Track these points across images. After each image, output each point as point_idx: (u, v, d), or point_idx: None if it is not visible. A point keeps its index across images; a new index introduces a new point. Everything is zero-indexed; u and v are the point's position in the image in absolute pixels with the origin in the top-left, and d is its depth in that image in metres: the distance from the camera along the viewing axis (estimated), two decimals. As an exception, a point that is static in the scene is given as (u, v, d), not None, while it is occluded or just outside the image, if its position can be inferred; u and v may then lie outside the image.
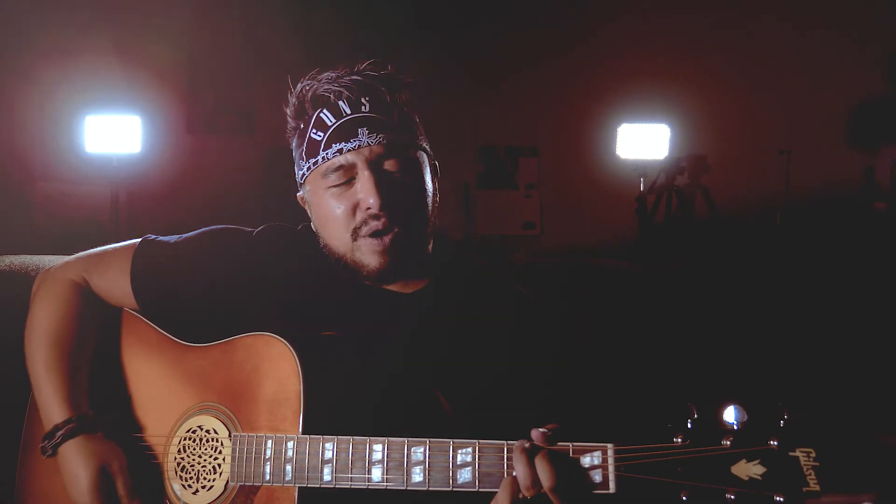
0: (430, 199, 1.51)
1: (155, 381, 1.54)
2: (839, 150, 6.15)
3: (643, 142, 5.22)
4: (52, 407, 1.49)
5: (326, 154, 1.44)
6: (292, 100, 1.51)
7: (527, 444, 1.18)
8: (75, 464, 1.45)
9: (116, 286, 1.59)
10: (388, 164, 1.45)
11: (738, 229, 5.58)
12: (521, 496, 1.17)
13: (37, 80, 5.14)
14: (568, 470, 1.14)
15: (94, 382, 1.55)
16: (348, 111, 1.44)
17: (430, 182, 1.52)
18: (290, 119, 1.52)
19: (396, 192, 1.44)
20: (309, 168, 1.48)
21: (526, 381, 1.48)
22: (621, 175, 5.49)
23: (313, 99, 1.47)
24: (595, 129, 5.76)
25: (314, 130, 1.46)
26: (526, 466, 1.15)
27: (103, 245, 1.65)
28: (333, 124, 1.44)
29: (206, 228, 1.63)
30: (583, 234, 5.81)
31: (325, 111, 1.45)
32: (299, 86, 1.50)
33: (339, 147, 1.43)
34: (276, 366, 1.39)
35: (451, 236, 1.68)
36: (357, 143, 1.42)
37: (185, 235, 1.62)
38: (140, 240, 1.61)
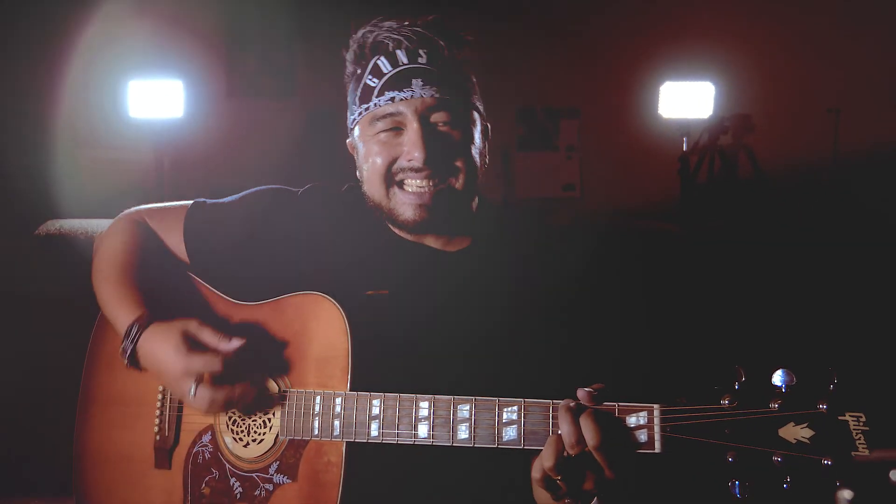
0: (478, 159, 1.51)
1: None
2: (890, 109, 5.96)
3: (686, 101, 5.11)
4: (126, 313, 1.51)
5: (378, 101, 1.45)
6: (352, 45, 1.51)
7: (572, 404, 1.18)
8: (158, 342, 1.44)
9: (171, 235, 1.64)
10: (438, 117, 1.45)
11: (784, 190, 5.46)
12: (565, 454, 1.18)
13: (80, 47, 5.19)
14: (613, 429, 1.14)
15: (166, 299, 1.56)
16: (405, 61, 1.44)
17: (480, 142, 1.52)
18: (348, 64, 1.53)
19: (443, 146, 1.45)
20: (360, 113, 1.49)
21: (570, 343, 1.49)
22: (663, 135, 5.40)
23: (373, 45, 1.48)
24: (637, 88, 5.66)
25: (370, 77, 1.47)
26: (571, 425, 1.16)
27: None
28: (389, 72, 1.44)
29: (253, 189, 1.67)
30: (624, 196, 5.75)
31: (382, 58, 1.46)
32: (360, 32, 1.50)
33: (392, 95, 1.44)
34: (324, 324, 1.42)
35: (492, 199, 1.68)
36: (410, 93, 1.43)
37: (233, 196, 1.66)
38: (192, 202, 1.66)
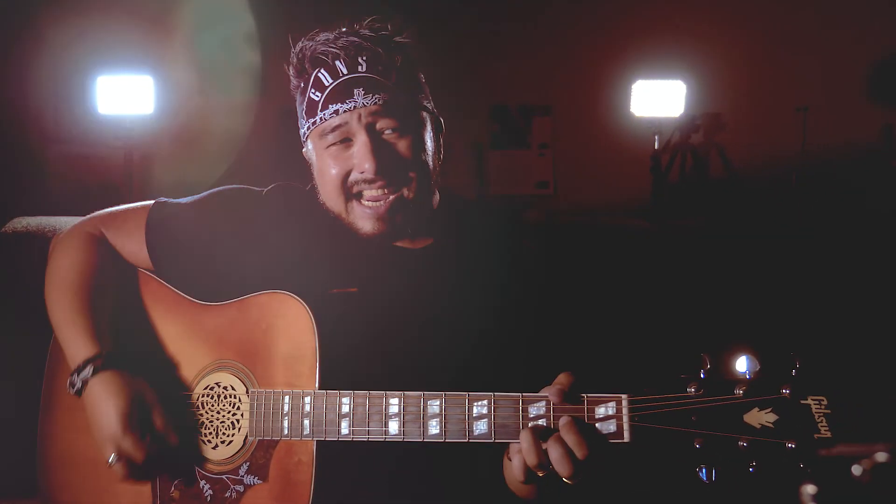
0: (430, 159, 1.50)
1: (171, 341, 1.56)
2: (857, 107, 6.05)
3: (658, 99, 5.16)
4: (79, 344, 1.50)
5: (324, 115, 1.44)
6: (293, 59, 1.51)
7: (540, 421, 1.20)
8: (105, 396, 1.44)
9: (131, 242, 1.61)
10: (385, 124, 1.45)
11: (754, 188, 5.53)
12: (544, 448, 1.19)
13: (48, 41, 5.12)
14: (590, 437, 1.16)
15: (117, 329, 1.56)
16: (345, 71, 1.43)
17: (431, 141, 1.51)
18: (291, 78, 1.53)
19: (393, 154, 1.44)
20: (308, 128, 1.49)
21: (538, 337, 1.49)
22: (635, 133, 5.44)
23: (312, 59, 1.47)
24: (609, 86, 5.69)
25: (313, 90, 1.46)
26: (535, 450, 1.19)
27: (118, 206, 1.67)
28: (330, 85, 1.44)
29: (217, 189, 1.65)
30: (596, 193, 5.78)
31: (322, 71, 1.45)
32: (299, 45, 1.49)
33: (336, 108, 1.43)
34: (291, 323, 1.41)
35: (463, 196, 1.68)
36: (353, 103, 1.42)
37: (195, 196, 1.64)
38: (153, 201, 1.64)
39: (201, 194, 1.64)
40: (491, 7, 5.91)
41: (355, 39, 1.45)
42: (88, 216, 1.65)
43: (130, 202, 1.68)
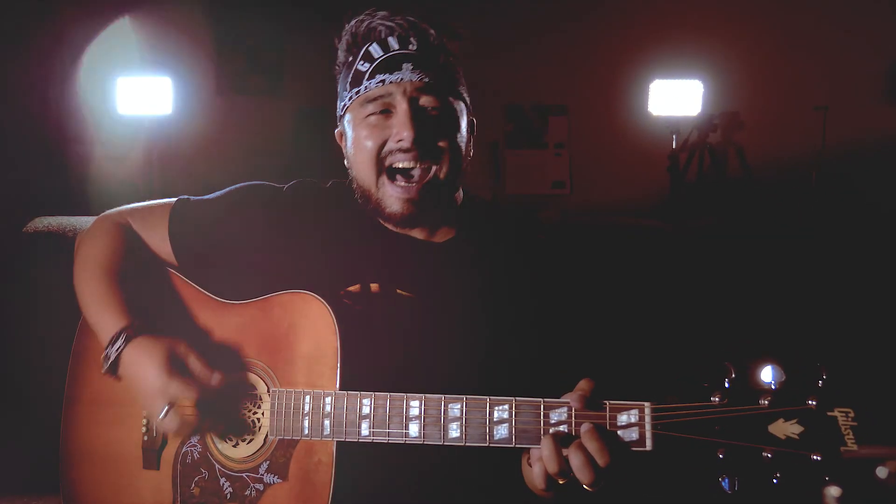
0: (463, 147, 1.52)
1: (193, 339, 1.55)
2: (877, 107, 5.99)
3: (675, 98, 5.12)
4: (110, 321, 1.50)
5: (369, 84, 1.46)
6: (345, 35, 1.53)
7: (561, 427, 1.19)
8: (142, 357, 1.45)
9: (155, 235, 1.63)
10: (427, 101, 1.47)
11: (773, 188, 5.49)
12: (564, 454, 1.19)
13: (69, 43, 5.16)
14: (612, 444, 1.16)
15: (145, 311, 1.56)
16: (396, 47, 1.47)
17: (465, 132, 1.53)
18: (340, 53, 1.55)
19: (431, 128, 1.46)
20: (351, 98, 1.50)
21: (560, 338, 1.49)
22: (653, 132, 5.42)
23: (365, 33, 1.50)
24: (626, 85, 5.67)
25: (361, 62, 1.49)
26: (556, 457, 1.18)
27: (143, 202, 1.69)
28: (380, 56, 1.47)
29: (238, 185, 1.66)
30: (613, 193, 5.76)
31: (374, 45, 1.49)
32: (353, 21, 1.52)
33: (383, 78, 1.45)
34: (312, 322, 1.41)
35: (481, 196, 1.68)
36: (400, 76, 1.45)
37: (218, 193, 1.66)
38: (176, 199, 1.65)
39: (223, 190, 1.66)
40: (507, 7, 5.90)
41: (411, 19, 1.49)
42: (115, 209, 1.67)
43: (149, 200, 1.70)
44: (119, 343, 1.46)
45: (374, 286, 1.50)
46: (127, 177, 5.08)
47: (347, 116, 1.53)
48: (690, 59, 5.34)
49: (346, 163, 1.58)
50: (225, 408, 1.46)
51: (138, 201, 1.71)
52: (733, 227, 2.57)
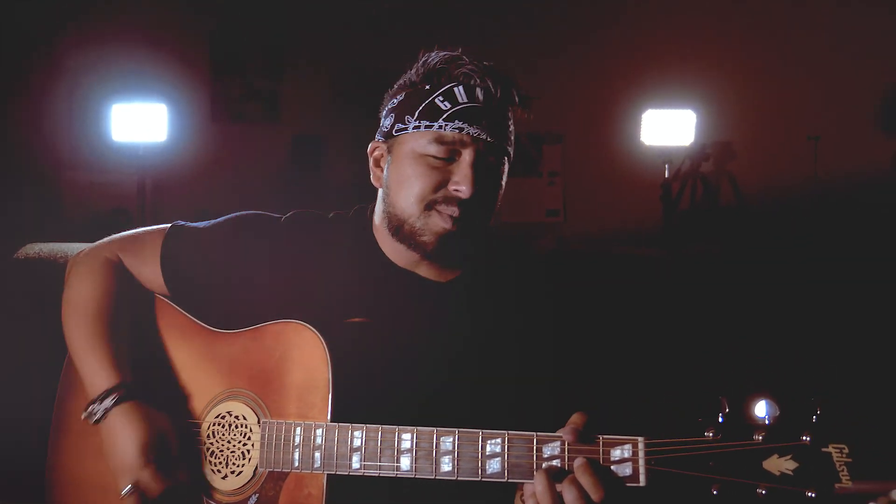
0: (499, 199, 1.53)
1: (184, 368, 1.55)
2: (869, 136, 6.05)
3: (668, 128, 5.16)
4: (99, 373, 1.49)
5: (446, 125, 1.45)
6: (432, 60, 1.51)
7: (554, 461, 1.19)
8: (126, 427, 1.44)
9: (147, 267, 1.61)
10: (490, 161, 1.47)
11: (766, 217, 5.52)
12: (558, 489, 1.18)
13: (63, 69, 5.18)
14: (605, 478, 1.15)
15: (134, 362, 1.56)
16: (481, 99, 1.46)
17: (504, 185, 1.54)
18: (413, 73, 1.52)
19: (484, 187, 1.46)
20: (416, 127, 1.48)
21: (554, 373, 1.48)
22: (646, 162, 5.45)
23: (453, 71, 1.49)
24: (619, 115, 5.71)
25: (441, 98, 1.47)
26: (549, 493, 1.18)
27: (136, 229, 1.68)
28: (464, 104, 1.46)
29: (234, 214, 1.64)
30: (607, 222, 5.78)
31: (460, 88, 1.47)
32: (443, 53, 1.52)
33: (462, 126, 1.44)
34: (305, 353, 1.40)
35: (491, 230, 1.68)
36: (478, 131, 1.44)
37: (213, 221, 1.64)
38: (170, 225, 1.63)
39: (218, 219, 1.64)
40: (502, 37, 5.96)
41: (504, 77, 1.50)
42: (106, 239, 1.65)
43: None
44: (107, 402, 1.46)
45: (369, 320, 1.49)
46: (120, 203, 5.09)
47: (401, 141, 1.50)
48: (683, 90, 5.40)
49: (373, 180, 1.57)
50: (184, 494, 1.48)
51: (131, 228, 1.70)
52: (727, 258, 2.57)
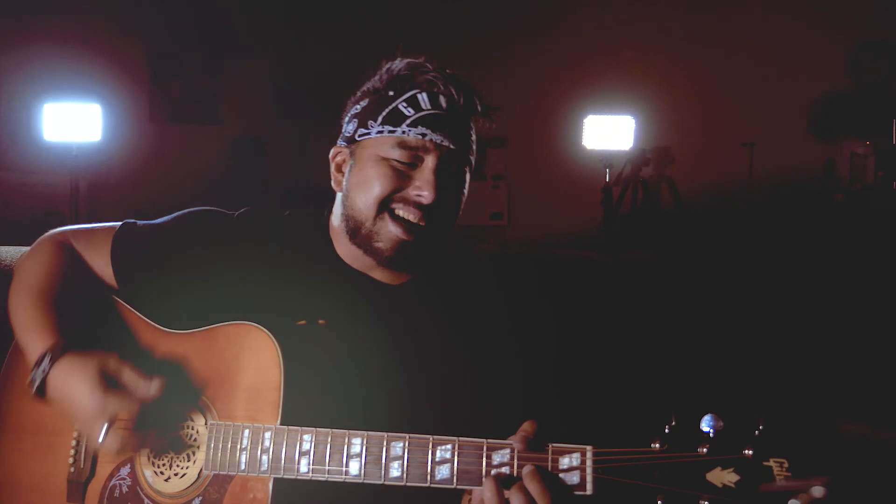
0: (459, 210, 1.54)
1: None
2: (801, 143, 6.26)
3: (609, 133, 5.26)
4: (38, 341, 1.44)
5: (409, 130, 1.45)
6: (396, 66, 1.52)
7: (503, 469, 1.19)
8: (72, 377, 1.39)
9: (98, 257, 1.57)
10: (452, 168, 1.48)
11: (703, 220, 5.65)
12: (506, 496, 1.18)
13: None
14: (553, 486, 1.16)
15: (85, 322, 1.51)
16: (444, 107, 1.47)
17: (465, 193, 1.55)
18: (377, 80, 1.53)
19: (444, 194, 1.47)
20: (380, 132, 1.48)
21: (502, 378, 1.49)
22: (587, 166, 5.53)
23: (417, 78, 1.49)
24: (561, 120, 5.79)
25: (404, 104, 1.47)
26: (495, 495, 1.18)
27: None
28: (427, 110, 1.46)
29: (187, 210, 1.62)
30: (549, 225, 5.85)
31: (423, 95, 1.48)
32: (407, 60, 1.52)
33: (424, 132, 1.45)
34: (256, 355, 1.37)
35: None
36: (441, 137, 1.45)
37: (165, 218, 1.61)
38: (122, 223, 1.60)
39: (172, 215, 1.61)
40: (446, 41, 5.98)
41: (468, 87, 1.50)
42: (58, 229, 1.62)
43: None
44: (44, 364, 1.40)
45: (321, 322, 1.47)
46: (53, 204, 4.95)
47: (363, 146, 1.50)
48: (623, 96, 5.51)
49: (333, 184, 1.56)
50: (168, 418, 1.41)
51: (75, 225, 1.66)
52: (666, 260, 2.62)
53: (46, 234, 1.61)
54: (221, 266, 1.53)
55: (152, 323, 1.53)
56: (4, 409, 1.55)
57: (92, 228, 1.62)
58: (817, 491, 0.97)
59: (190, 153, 5.57)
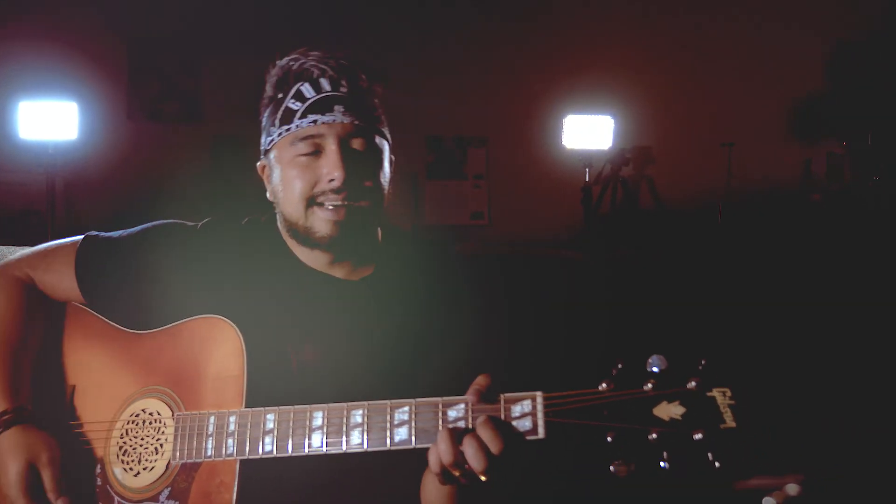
0: (386, 185, 1.55)
1: (99, 370, 1.53)
2: (780, 144, 6.33)
3: (588, 133, 5.30)
4: None
5: (301, 123, 1.47)
6: (275, 71, 1.53)
7: (458, 420, 1.21)
8: (8, 455, 1.42)
9: (62, 281, 1.58)
10: (356, 143, 1.49)
11: (681, 219, 5.69)
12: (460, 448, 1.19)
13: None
14: (506, 433, 1.17)
15: (36, 376, 1.54)
16: (328, 88, 1.48)
17: (388, 170, 1.56)
18: (268, 88, 1.54)
19: (359, 169, 1.48)
20: (280, 134, 1.50)
21: (467, 367, 1.50)
22: (567, 165, 5.56)
23: (298, 72, 1.51)
24: (542, 119, 5.82)
25: (292, 100, 1.49)
26: (450, 447, 1.19)
27: (40, 234, 1.65)
28: (312, 97, 1.48)
29: (149, 224, 1.63)
30: (530, 224, 5.86)
31: (306, 84, 1.49)
32: (286, 59, 1.53)
33: (314, 119, 1.46)
34: (220, 345, 1.39)
35: (400, 226, 1.69)
36: (332, 118, 1.46)
37: (127, 231, 1.62)
38: (83, 236, 1.61)
39: (133, 229, 1.62)
40: (428, 41, 6.01)
41: (343, 62, 1.51)
42: (14, 257, 1.62)
43: (54, 229, 1.65)
44: None
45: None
46: (29, 203, 4.92)
47: (274, 152, 1.52)
48: (602, 96, 5.54)
49: (269, 196, 1.58)
50: None
51: (41, 228, 1.67)
52: (645, 258, 2.65)
53: (2, 266, 1.61)
54: (187, 277, 1.54)
55: (119, 327, 1.55)
56: None
57: (52, 250, 1.62)
58: (792, 489, 0.99)
59: (168, 151, 5.55)
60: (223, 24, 5.44)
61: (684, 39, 6.20)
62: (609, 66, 5.88)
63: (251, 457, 1.31)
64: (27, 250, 1.63)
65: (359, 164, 1.47)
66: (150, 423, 1.44)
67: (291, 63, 1.51)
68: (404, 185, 6.04)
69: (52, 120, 4.47)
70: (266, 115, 1.54)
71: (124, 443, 1.45)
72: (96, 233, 1.62)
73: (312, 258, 1.55)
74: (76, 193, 5.14)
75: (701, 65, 6.20)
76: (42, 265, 1.60)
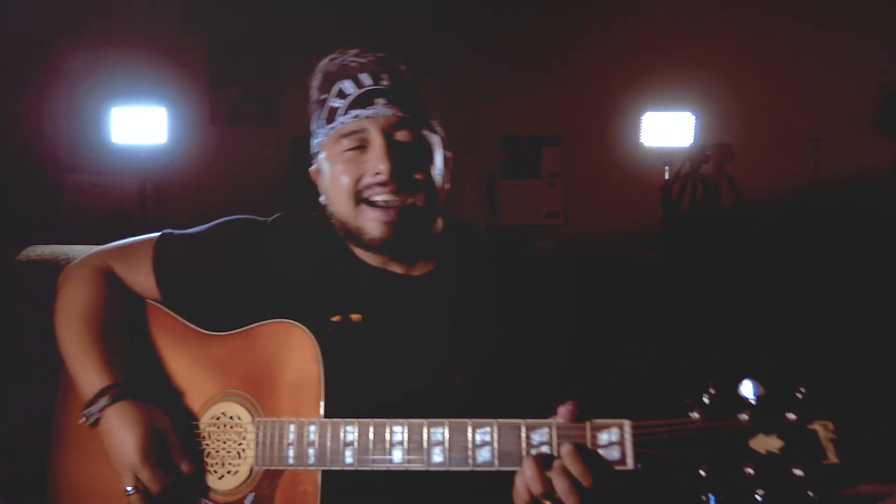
0: (438, 178, 1.53)
1: (179, 371, 1.57)
2: (869, 139, 6.04)
3: (668, 130, 5.18)
4: (93, 376, 1.50)
5: (344, 119, 1.48)
6: (317, 73, 1.55)
7: (543, 448, 1.19)
8: (122, 426, 1.45)
9: (139, 275, 1.62)
10: (401, 136, 1.48)
11: (765, 219, 5.51)
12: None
13: (63, 73, 5.20)
14: (595, 463, 1.15)
15: (125, 359, 1.56)
16: (369, 83, 1.48)
17: (441, 164, 1.54)
18: (312, 92, 1.56)
19: (406, 161, 1.47)
20: (326, 134, 1.52)
21: (542, 364, 1.48)
22: (645, 163, 5.45)
23: (337, 71, 1.52)
24: (619, 117, 5.72)
25: (334, 99, 1.50)
26: (537, 474, 1.18)
27: (131, 235, 1.70)
28: (354, 93, 1.48)
29: (222, 220, 1.66)
30: (606, 224, 5.77)
31: (346, 81, 1.50)
32: (325, 60, 1.55)
33: (357, 113, 1.47)
34: (296, 352, 1.41)
35: (474, 225, 1.68)
36: (374, 110, 1.46)
37: (201, 227, 1.66)
38: (160, 233, 1.65)
39: (207, 225, 1.66)
40: (503, 40, 5.98)
41: (382, 56, 1.51)
42: (95, 250, 1.67)
43: (144, 231, 1.70)
44: (102, 403, 1.47)
45: (355, 317, 1.50)
46: (121, 206, 5.10)
47: (323, 154, 1.54)
48: (682, 92, 5.40)
49: (321, 199, 1.59)
50: (185, 490, 1.48)
51: (132, 230, 1.72)
52: (726, 259, 2.57)
53: (85, 257, 1.65)
54: (258, 270, 1.57)
55: (194, 327, 1.58)
56: (65, 415, 1.61)
57: (128, 245, 1.66)
58: None
59: (249, 154, 5.67)
60: (299, 26, 5.51)
61: (766, 32, 5.99)
62: (689, 60, 5.72)
63: (333, 468, 1.33)
64: (105, 245, 1.67)
65: (406, 156, 1.47)
66: (231, 427, 1.47)
67: (330, 63, 1.53)
68: (478, 185, 6.03)
69: (143, 125, 4.63)
70: (314, 119, 1.56)
71: (207, 445, 1.49)
72: (171, 230, 1.66)
73: (366, 255, 1.56)
74: (165, 196, 5.30)
75: (784, 58, 5.97)
76: (121, 257, 1.64)
